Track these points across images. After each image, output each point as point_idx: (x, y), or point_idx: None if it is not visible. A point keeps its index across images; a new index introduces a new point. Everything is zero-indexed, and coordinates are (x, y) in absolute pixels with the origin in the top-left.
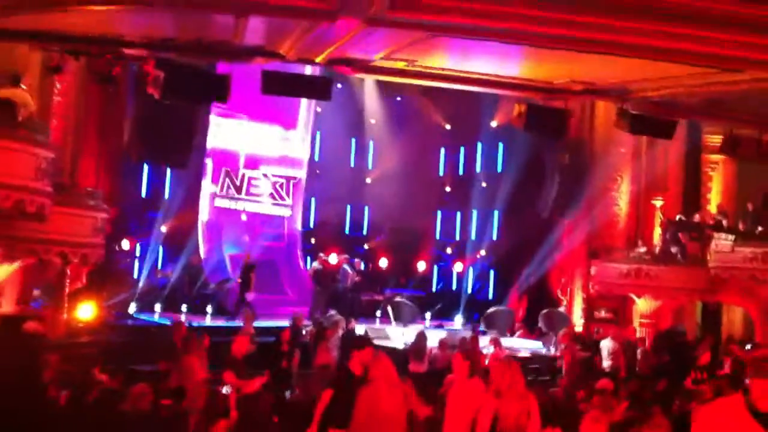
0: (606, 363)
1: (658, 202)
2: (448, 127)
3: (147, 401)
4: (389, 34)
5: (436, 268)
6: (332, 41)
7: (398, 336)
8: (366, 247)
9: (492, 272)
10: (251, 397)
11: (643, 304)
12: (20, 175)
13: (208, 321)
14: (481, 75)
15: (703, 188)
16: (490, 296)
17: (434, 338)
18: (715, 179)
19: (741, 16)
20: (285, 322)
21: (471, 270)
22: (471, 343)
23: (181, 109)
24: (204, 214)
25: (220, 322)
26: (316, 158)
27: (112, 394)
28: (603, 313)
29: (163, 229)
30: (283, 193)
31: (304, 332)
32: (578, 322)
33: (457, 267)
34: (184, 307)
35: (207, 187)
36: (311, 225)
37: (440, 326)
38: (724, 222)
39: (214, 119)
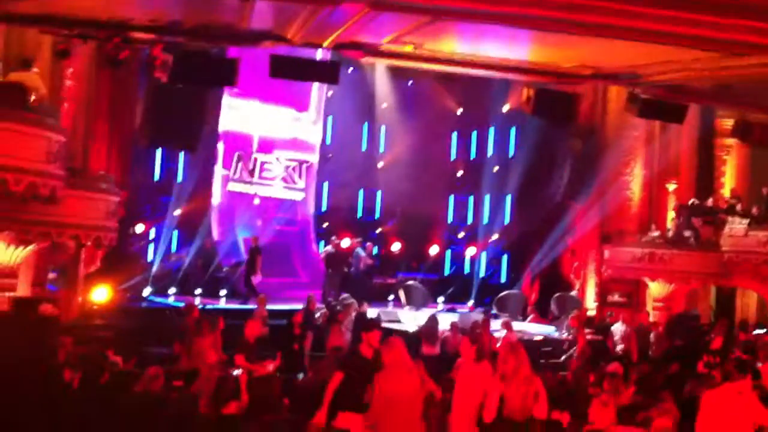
0: (618, 347)
1: (671, 186)
2: (459, 111)
3: (159, 383)
4: (394, 17)
5: (448, 252)
6: (338, 25)
7: (410, 319)
8: (378, 231)
9: (504, 256)
10: (263, 380)
11: (656, 288)
12: (32, 159)
13: (222, 304)
14: (489, 59)
15: (716, 172)
16: (503, 280)
17: (446, 322)
18: (728, 163)
19: (748, 1)
20: (298, 305)
21: (483, 254)
22: (481, 327)
23: (192, 92)
24: (217, 198)
25: (234, 305)
26: (328, 142)
27: (126, 376)
28: (616, 297)
29: (177, 212)
30: (296, 177)
31: (317, 315)
32: (591, 306)
33: (470, 251)
34: (198, 291)
35: (219, 170)
36: (324, 209)
37: (452, 310)
38: (738, 206)
39: (227, 100)
